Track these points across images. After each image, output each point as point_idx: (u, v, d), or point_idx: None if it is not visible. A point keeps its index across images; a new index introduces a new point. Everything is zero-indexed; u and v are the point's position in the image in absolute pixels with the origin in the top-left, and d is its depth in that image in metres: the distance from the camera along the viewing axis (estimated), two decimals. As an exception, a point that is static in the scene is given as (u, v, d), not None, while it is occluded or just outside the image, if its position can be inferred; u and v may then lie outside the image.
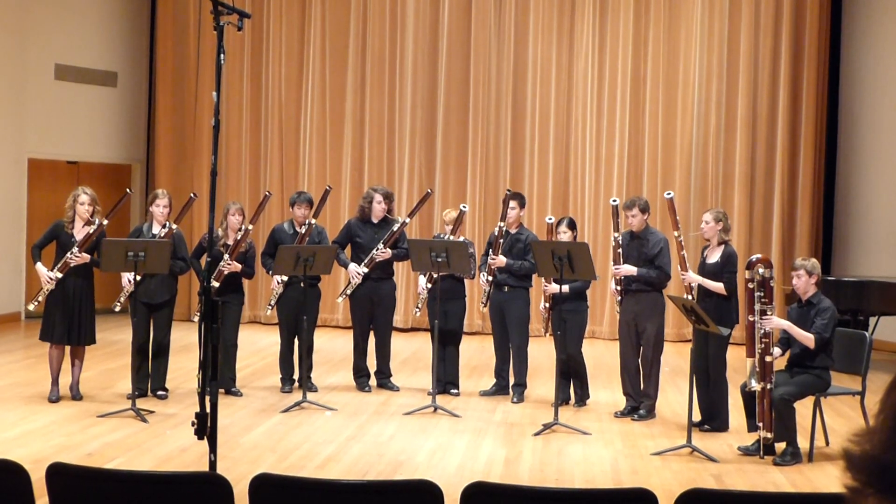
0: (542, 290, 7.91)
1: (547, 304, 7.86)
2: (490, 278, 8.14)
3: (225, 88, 12.23)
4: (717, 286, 7.05)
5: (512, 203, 8.14)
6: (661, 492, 4.02)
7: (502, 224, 8.10)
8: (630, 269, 7.45)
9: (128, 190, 8.33)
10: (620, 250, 7.50)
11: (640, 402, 7.58)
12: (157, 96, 13.23)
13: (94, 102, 12.93)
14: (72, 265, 7.43)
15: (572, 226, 7.94)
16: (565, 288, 7.69)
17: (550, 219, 8.14)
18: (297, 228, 8.30)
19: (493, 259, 8.05)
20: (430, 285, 8.15)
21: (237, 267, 7.92)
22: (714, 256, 7.18)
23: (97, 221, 7.50)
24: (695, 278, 7.14)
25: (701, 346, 7.06)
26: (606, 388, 8.68)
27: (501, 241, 8.07)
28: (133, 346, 7.55)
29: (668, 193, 7.54)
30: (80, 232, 7.55)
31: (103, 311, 9.61)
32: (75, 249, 7.42)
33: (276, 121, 12.96)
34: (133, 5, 13.44)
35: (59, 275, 7.43)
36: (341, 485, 3.62)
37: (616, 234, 7.53)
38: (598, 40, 12.47)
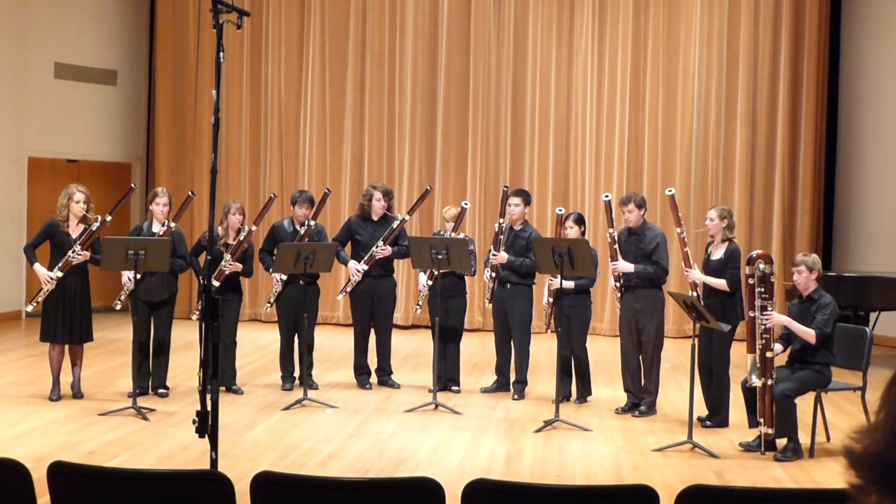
0: (548, 284, 7.90)
1: (550, 300, 7.85)
2: (493, 274, 8.14)
3: (224, 86, 12.22)
4: (720, 283, 7.05)
5: (516, 200, 8.13)
6: (662, 488, 4.02)
7: (502, 220, 8.10)
8: (627, 267, 7.45)
9: (132, 185, 8.33)
10: (617, 246, 7.50)
11: (640, 398, 7.58)
12: (157, 94, 13.22)
13: (93, 101, 12.92)
14: (73, 263, 7.43)
15: (580, 221, 7.94)
16: (571, 284, 7.70)
17: (560, 210, 8.13)
18: (297, 227, 8.30)
19: (495, 255, 8.05)
20: (430, 282, 8.15)
21: (238, 267, 7.92)
22: (718, 253, 7.18)
23: (99, 219, 7.49)
24: (698, 276, 7.14)
25: (705, 342, 7.07)
26: (607, 384, 8.69)
27: (502, 237, 8.07)
28: (134, 345, 7.55)
29: (670, 190, 7.53)
30: (75, 230, 7.53)
31: (104, 309, 9.63)
32: (77, 248, 7.41)
33: (275, 118, 12.95)
34: (133, 4, 13.42)
35: (61, 274, 7.42)
36: (342, 482, 3.62)
37: (611, 231, 7.53)
38: (597, 36, 12.46)
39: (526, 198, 8.27)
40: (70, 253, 7.41)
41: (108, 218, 7.53)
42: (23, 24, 12.13)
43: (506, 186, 8.43)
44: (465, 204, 8.46)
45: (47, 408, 7.36)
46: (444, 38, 12.61)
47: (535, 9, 12.50)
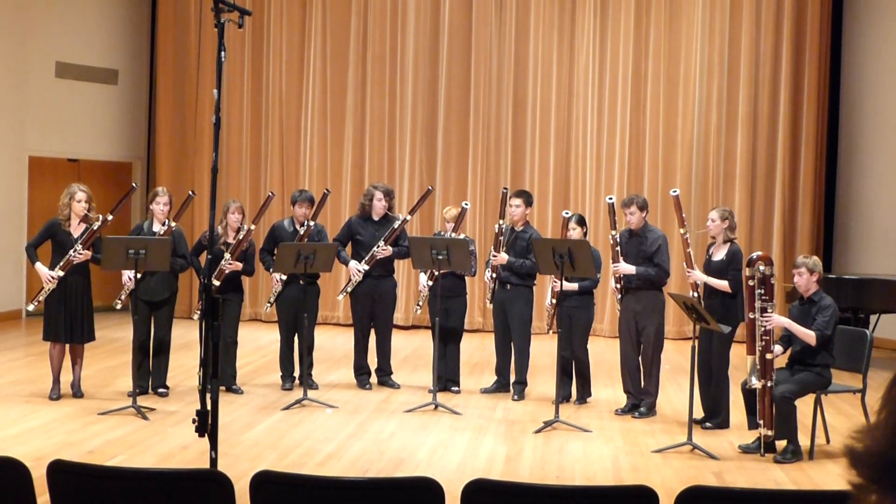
0: (552, 285, 7.89)
1: (553, 301, 7.84)
2: (493, 275, 8.14)
3: (226, 86, 12.21)
4: (722, 284, 7.05)
5: (517, 201, 8.14)
6: (662, 489, 4.02)
7: (502, 222, 8.10)
8: (628, 268, 7.45)
9: (133, 185, 8.33)
10: (619, 248, 7.50)
11: (640, 399, 7.58)
12: (158, 94, 13.22)
13: (94, 100, 12.92)
14: (75, 262, 7.43)
15: (581, 222, 7.95)
16: (575, 286, 7.70)
17: (567, 213, 8.13)
18: (297, 227, 8.30)
19: (495, 256, 8.06)
20: (430, 283, 8.15)
21: (238, 266, 7.91)
22: (719, 254, 7.19)
23: (101, 218, 7.49)
24: (700, 276, 7.14)
25: (705, 344, 7.07)
26: (607, 385, 8.68)
27: (502, 238, 8.08)
28: (134, 344, 7.55)
29: (674, 191, 7.53)
30: (77, 229, 7.54)
31: (104, 308, 9.62)
32: (79, 247, 7.41)
33: (276, 118, 12.95)
34: (134, 3, 13.43)
35: (62, 273, 7.42)
36: (342, 482, 3.62)
37: (613, 233, 7.53)
38: (598, 37, 12.46)
39: (527, 199, 8.27)
40: (71, 252, 7.41)
41: (110, 217, 7.53)
42: (24, 24, 12.13)
43: (505, 188, 8.43)
44: (466, 204, 8.46)
45: (47, 407, 7.36)
46: (445, 38, 12.61)
47: (536, 10, 12.50)
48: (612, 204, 7.59)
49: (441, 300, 7.87)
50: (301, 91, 12.89)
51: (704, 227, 7.47)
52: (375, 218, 8.42)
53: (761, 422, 6.31)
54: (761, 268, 6.33)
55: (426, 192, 8.80)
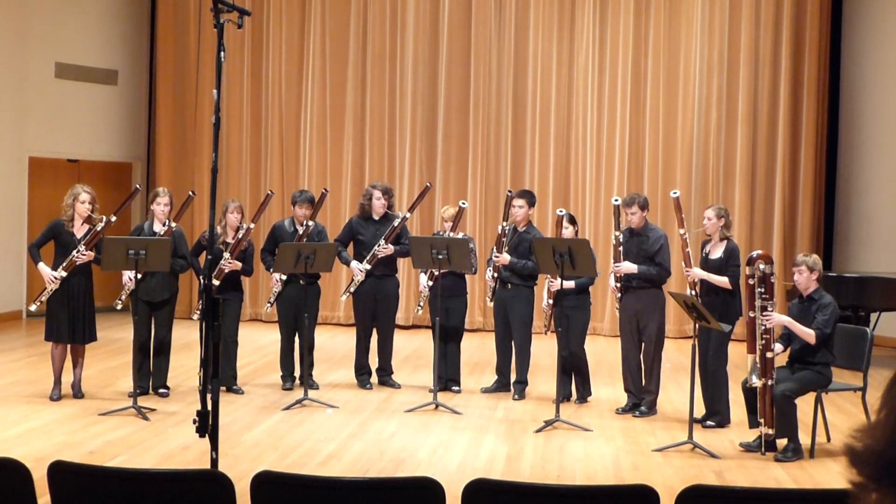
0: (548, 285, 7.89)
1: (550, 301, 7.85)
2: (495, 274, 8.15)
3: (225, 86, 12.19)
4: (722, 280, 7.06)
5: (520, 201, 8.13)
6: (663, 488, 4.02)
7: (505, 224, 8.11)
8: (630, 268, 7.45)
9: (136, 186, 8.33)
10: (621, 248, 7.50)
11: (641, 398, 7.58)
12: (158, 94, 13.23)
13: (94, 100, 12.92)
14: (78, 263, 7.43)
15: (572, 221, 7.96)
16: (571, 283, 7.71)
17: (561, 211, 8.14)
18: (297, 227, 8.30)
19: (497, 257, 8.06)
20: (431, 283, 8.15)
21: (237, 265, 7.91)
22: (717, 252, 7.19)
23: (104, 219, 7.49)
24: (699, 273, 7.14)
25: (704, 341, 7.07)
26: (608, 384, 8.69)
27: (505, 239, 8.08)
28: (134, 345, 7.55)
29: (675, 192, 7.53)
30: (80, 230, 7.54)
31: (104, 309, 9.61)
32: (81, 247, 7.41)
33: (276, 118, 12.96)
34: (133, 3, 13.43)
35: (65, 274, 7.42)
36: (343, 482, 3.62)
37: (617, 233, 7.53)
38: (598, 36, 12.46)
39: (530, 199, 8.27)
40: (74, 253, 7.41)
41: (113, 218, 7.54)
42: (23, 24, 12.13)
43: (510, 191, 8.43)
44: (463, 203, 8.45)
45: (48, 407, 7.36)
46: (444, 37, 12.61)
47: (535, 9, 12.50)
48: (618, 205, 7.57)
49: (441, 300, 7.87)
50: (301, 91, 12.89)
51: (702, 226, 7.48)
52: (375, 217, 8.42)
53: (762, 420, 6.31)
54: (761, 266, 6.33)
55: (425, 189, 8.79)
